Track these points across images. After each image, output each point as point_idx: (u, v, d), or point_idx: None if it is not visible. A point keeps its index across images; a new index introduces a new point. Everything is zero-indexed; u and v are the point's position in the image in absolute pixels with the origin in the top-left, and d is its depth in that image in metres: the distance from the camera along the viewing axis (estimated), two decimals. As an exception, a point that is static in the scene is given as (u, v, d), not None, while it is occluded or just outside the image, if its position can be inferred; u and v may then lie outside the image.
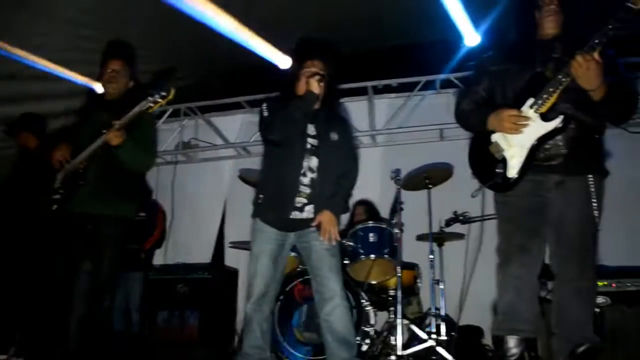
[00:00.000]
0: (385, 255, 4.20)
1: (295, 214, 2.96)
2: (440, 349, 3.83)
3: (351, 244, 4.29)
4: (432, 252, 4.30)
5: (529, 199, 2.57)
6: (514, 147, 2.55)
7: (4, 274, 3.74)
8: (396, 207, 4.22)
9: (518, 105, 2.55)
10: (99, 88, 3.51)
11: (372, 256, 4.21)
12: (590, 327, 2.49)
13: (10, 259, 3.73)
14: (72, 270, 3.21)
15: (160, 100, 2.93)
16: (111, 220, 3.21)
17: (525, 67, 2.61)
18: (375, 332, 4.12)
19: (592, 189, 2.50)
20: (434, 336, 3.97)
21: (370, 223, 4.38)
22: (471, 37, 5.03)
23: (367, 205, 5.23)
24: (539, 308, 2.59)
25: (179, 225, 6.06)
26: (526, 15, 2.70)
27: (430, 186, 4.39)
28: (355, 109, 5.95)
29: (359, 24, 5.26)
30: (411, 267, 4.54)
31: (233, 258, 5.88)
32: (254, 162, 3.90)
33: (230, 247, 5.68)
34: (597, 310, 3.42)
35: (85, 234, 3.20)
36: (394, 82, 5.82)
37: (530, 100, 2.51)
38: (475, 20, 4.86)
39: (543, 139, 2.50)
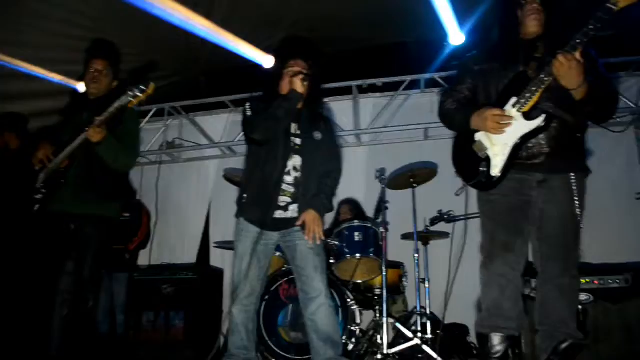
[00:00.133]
0: (371, 255, 4.21)
1: (280, 213, 2.94)
2: (425, 347, 3.86)
3: (336, 243, 4.29)
4: (417, 251, 4.33)
5: (512, 198, 2.59)
6: (497, 146, 2.57)
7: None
8: (381, 206, 4.24)
9: (501, 104, 2.56)
10: (81, 87, 3.48)
11: (358, 255, 4.22)
12: (574, 324, 2.51)
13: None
14: (54, 270, 3.18)
15: (139, 94, 2.90)
16: (94, 220, 3.18)
17: (508, 66, 2.63)
18: (361, 331, 4.12)
19: (574, 187, 2.53)
20: (419, 334, 4.00)
21: (356, 222, 4.39)
22: (456, 36, 5.05)
23: (353, 205, 5.24)
24: (522, 305, 2.61)
25: (163, 225, 6.04)
26: (509, 14, 2.72)
27: (415, 185, 4.41)
28: (340, 109, 5.96)
29: (343, 24, 5.27)
30: (396, 266, 4.56)
31: (218, 258, 5.88)
32: (239, 162, 3.88)
33: (215, 247, 5.67)
34: (581, 307, 3.45)
35: (67, 234, 3.17)
36: (378, 81, 5.82)
37: (513, 99, 2.53)
38: (461, 20, 4.88)
39: (526, 138, 2.52)
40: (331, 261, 4.29)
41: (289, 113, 2.92)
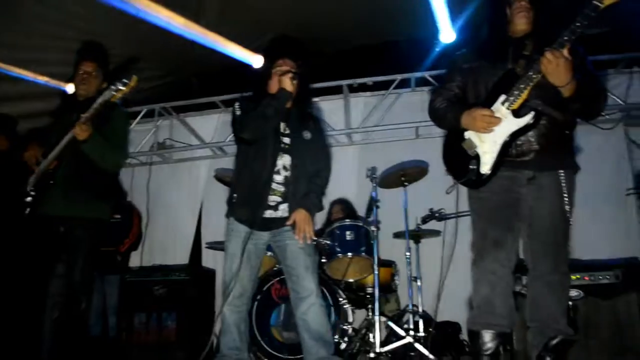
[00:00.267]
0: (363, 253, 4.21)
1: (270, 213, 2.94)
2: (418, 345, 3.86)
3: (328, 242, 4.29)
4: (408, 250, 4.33)
5: (502, 195, 2.60)
6: (487, 144, 2.58)
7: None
8: (372, 205, 4.24)
9: (490, 101, 2.57)
10: (70, 89, 3.47)
11: (349, 254, 4.22)
12: (564, 320, 2.53)
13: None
14: (44, 274, 3.16)
15: (122, 88, 2.91)
16: (84, 222, 3.17)
17: (497, 64, 2.63)
18: (354, 329, 4.13)
19: (564, 184, 2.54)
20: (412, 333, 4.01)
21: (347, 221, 4.39)
22: (448, 33, 5.05)
23: (344, 204, 5.24)
24: (513, 302, 2.62)
25: (155, 226, 6.01)
26: (498, 12, 2.73)
27: (406, 184, 4.42)
28: (331, 108, 5.96)
29: (334, 23, 5.27)
30: (388, 264, 4.57)
31: (210, 259, 5.85)
32: (230, 162, 3.88)
33: (207, 247, 5.65)
34: (571, 303, 3.47)
35: (56, 236, 3.15)
36: (369, 80, 5.82)
37: (502, 97, 2.54)
38: (453, 17, 4.89)
39: (515, 135, 2.53)
40: (323, 260, 4.29)
41: (278, 112, 2.92)
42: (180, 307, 4.71)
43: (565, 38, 2.35)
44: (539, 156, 2.55)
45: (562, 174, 2.55)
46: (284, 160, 2.97)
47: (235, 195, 2.99)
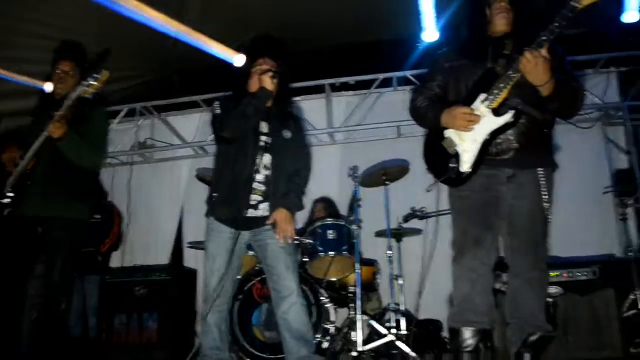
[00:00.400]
0: (344, 252, 4.21)
1: (251, 212, 2.92)
2: (400, 344, 3.87)
3: (310, 241, 4.28)
4: (390, 248, 4.35)
5: (482, 193, 2.61)
6: (467, 142, 2.59)
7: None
8: (354, 204, 4.24)
9: (470, 100, 2.59)
10: (48, 88, 3.43)
11: (331, 253, 4.21)
12: (543, 317, 2.55)
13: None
14: (23, 275, 3.12)
15: (94, 83, 2.89)
16: (63, 222, 3.13)
17: (477, 63, 2.65)
18: (336, 329, 4.13)
19: (543, 182, 2.57)
20: (394, 331, 4.01)
21: (329, 220, 4.39)
22: (431, 33, 5.06)
23: (327, 203, 5.25)
24: (493, 299, 2.64)
25: (136, 227, 5.98)
26: (478, 12, 2.75)
27: (387, 183, 4.43)
28: (313, 107, 5.96)
29: (317, 22, 5.27)
30: (370, 263, 4.58)
31: (192, 259, 5.83)
32: (212, 162, 3.86)
33: (189, 247, 5.63)
34: (550, 300, 3.51)
35: (34, 237, 3.12)
36: (351, 80, 5.85)
37: (482, 96, 2.56)
38: (437, 16, 4.91)
39: (495, 134, 2.54)
40: (305, 259, 4.29)
41: (259, 111, 2.91)
42: (162, 308, 4.68)
43: (544, 38, 2.37)
44: (518, 154, 2.57)
45: (542, 172, 2.57)
46: (265, 159, 2.95)
47: (215, 194, 2.97)
